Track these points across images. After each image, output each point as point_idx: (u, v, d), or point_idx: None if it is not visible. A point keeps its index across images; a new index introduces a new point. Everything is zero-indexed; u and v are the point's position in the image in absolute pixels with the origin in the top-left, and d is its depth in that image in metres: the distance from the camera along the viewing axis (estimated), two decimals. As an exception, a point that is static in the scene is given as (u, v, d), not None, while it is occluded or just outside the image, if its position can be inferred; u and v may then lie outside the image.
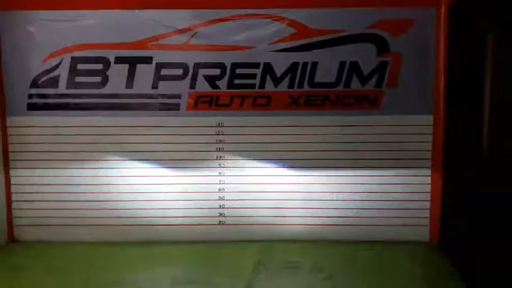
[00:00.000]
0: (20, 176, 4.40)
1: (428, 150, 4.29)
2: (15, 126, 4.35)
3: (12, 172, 4.39)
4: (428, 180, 4.31)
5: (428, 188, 4.32)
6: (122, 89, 4.28)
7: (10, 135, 4.35)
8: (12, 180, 4.40)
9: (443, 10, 4.10)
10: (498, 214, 2.99)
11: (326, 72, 4.23)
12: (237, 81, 4.27)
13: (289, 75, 4.25)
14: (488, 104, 3.20)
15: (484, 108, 3.23)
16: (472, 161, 3.50)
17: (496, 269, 3.00)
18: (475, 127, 3.35)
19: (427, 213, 4.34)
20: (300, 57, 4.22)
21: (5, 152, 4.35)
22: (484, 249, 3.21)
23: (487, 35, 3.16)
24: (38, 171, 4.38)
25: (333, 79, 4.24)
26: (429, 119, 4.25)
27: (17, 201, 4.43)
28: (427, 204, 4.33)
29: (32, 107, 4.33)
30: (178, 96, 4.30)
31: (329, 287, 3.51)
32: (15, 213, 4.43)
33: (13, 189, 4.41)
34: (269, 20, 4.18)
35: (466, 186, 3.66)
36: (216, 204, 4.40)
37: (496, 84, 3.11)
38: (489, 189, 3.14)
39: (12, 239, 4.43)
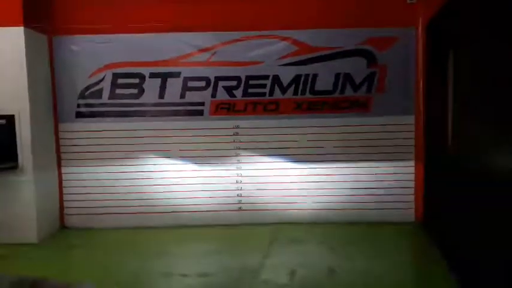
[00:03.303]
0: (69, 172, 5.24)
1: (411, 145, 5.12)
2: (65, 131, 5.20)
3: (63, 169, 5.24)
4: (412, 170, 5.14)
5: (412, 176, 5.15)
6: (155, 99, 5.14)
7: (61, 138, 5.21)
8: (63, 177, 5.25)
9: (420, 29, 4.97)
10: (464, 194, 3.64)
11: (324, 82, 5.08)
12: (250, 91, 5.12)
13: (293, 85, 5.09)
14: (451, 105, 4.02)
15: (448, 109, 4.05)
16: (442, 151, 4.30)
17: (466, 240, 3.61)
18: (443, 123, 4.16)
19: (412, 198, 5.16)
20: (303, 70, 5.07)
21: (58, 153, 5.20)
22: (458, 224, 3.87)
23: (449, 50, 4.01)
24: (85, 168, 5.21)
25: (330, 87, 5.09)
26: (411, 118, 5.09)
27: (67, 194, 5.26)
28: (412, 190, 5.16)
29: (79, 115, 5.18)
30: (202, 104, 5.14)
31: (329, 254, 4.31)
32: (66, 204, 5.26)
33: (64, 183, 5.25)
34: (276, 39, 5.05)
35: (440, 174, 4.45)
36: (235, 193, 5.22)
37: (456, 89, 3.92)
38: (455, 175, 3.86)
39: (63, 225, 5.26)
